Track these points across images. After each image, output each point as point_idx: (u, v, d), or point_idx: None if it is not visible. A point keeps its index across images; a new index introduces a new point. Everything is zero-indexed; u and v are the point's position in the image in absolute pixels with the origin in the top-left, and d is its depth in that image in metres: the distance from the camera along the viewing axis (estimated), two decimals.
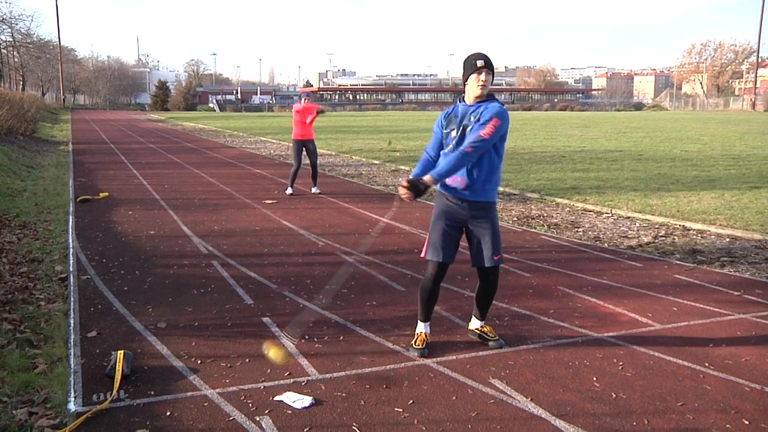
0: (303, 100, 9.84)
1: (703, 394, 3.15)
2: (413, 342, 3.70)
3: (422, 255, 3.67)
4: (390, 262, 5.67)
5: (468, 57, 3.52)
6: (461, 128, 3.48)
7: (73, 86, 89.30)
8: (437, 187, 3.56)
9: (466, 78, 3.51)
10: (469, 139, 3.39)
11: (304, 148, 9.80)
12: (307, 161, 10.04)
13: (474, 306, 3.86)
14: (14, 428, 2.80)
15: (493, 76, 3.52)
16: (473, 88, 3.47)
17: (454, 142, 3.50)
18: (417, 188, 3.38)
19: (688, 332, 4.00)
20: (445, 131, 3.59)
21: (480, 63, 3.45)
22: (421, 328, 3.75)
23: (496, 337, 3.79)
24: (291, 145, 10.13)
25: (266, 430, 2.80)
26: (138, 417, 2.90)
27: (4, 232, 6.70)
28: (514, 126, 32.94)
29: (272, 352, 3.36)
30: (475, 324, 3.88)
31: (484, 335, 3.81)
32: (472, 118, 3.45)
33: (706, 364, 3.50)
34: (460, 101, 3.59)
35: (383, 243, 6.45)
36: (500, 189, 10.13)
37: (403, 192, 3.39)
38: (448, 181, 3.50)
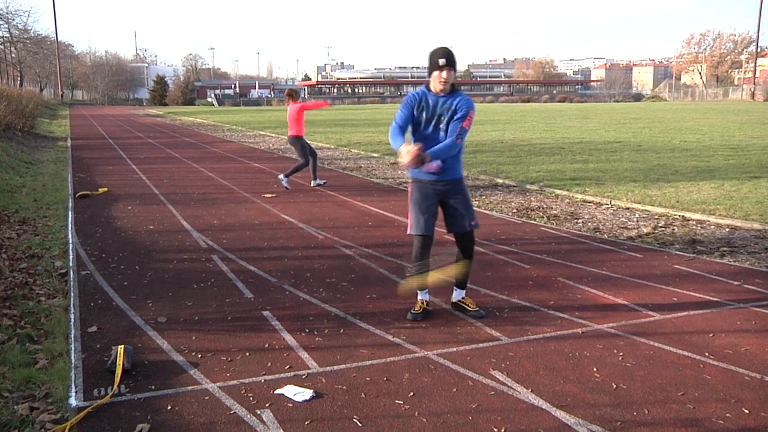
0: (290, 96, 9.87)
1: (704, 384, 3.15)
2: (413, 309, 4.05)
3: (408, 232, 4.02)
4: (390, 254, 5.67)
5: (432, 52, 3.79)
6: (436, 117, 3.83)
7: (71, 82, 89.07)
8: (409, 173, 4.05)
9: (430, 73, 3.80)
10: (454, 130, 3.80)
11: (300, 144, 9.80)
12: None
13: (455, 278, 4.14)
14: (16, 423, 2.80)
15: (455, 71, 3.79)
16: (435, 83, 3.79)
17: (430, 128, 3.85)
18: (423, 159, 3.69)
19: (688, 322, 4.00)
20: (416, 113, 3.87)
21: (442, 62, 3.73)
22: (421, 296, 4.09)
23: (476, 308, 4.06)
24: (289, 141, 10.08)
25: (267, 424, 2.80)
26: (139, 411, 2.91)
27: (4, 228, 6.69)
28: (514, 118, 32.88)
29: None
30: (456, 296, 4.15)
31: (465, 306, 4.09)
32: (446, 109, 3.80)
33: (706, 354, 3.50)
34: (426, 90, 3.86)
35: (383, 236, 6.45)
36: (500, 181, 10.14)
37: (410, 155, 3.61)
38: (424, 168, 3.82)
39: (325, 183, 9.90)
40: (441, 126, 3.83)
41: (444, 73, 3.73)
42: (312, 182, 9.94)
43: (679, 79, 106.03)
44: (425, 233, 3.95)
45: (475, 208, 7.84)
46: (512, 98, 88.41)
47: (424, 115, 3.84)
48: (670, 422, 2.80)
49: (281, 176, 9.76)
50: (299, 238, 6.39)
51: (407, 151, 3.64)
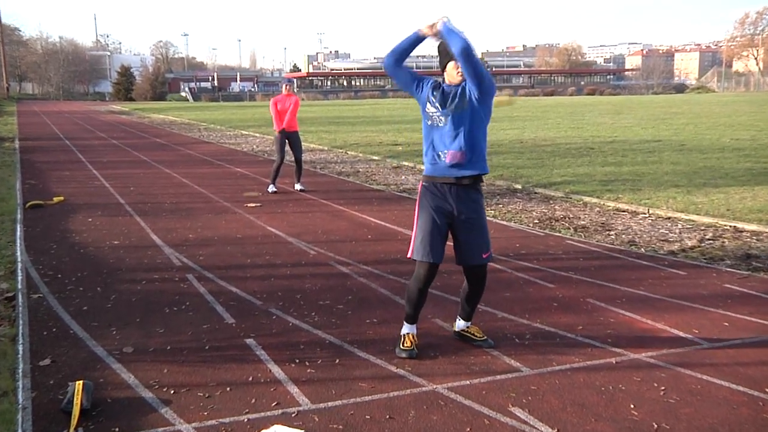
0: (284, 87, 10.20)
1: (764, 425, 3.15)
2: (400, 344, 3.97)
3: (408, 255, 3.96)
4: (392, 272, 5.68)
5: (443, 42, 3.78)
6: (449, 98, 3.80)
7: (18, 72, 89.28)
8: (424, 171, 3.93)
9: (444, 65, 3.83)
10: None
11: (287, 141, 10.05)
12: (292, 157, 10.29)
13: (460, 307, 4.16)
14: None
15: None
16: (453, 75, 3.82)
17: (445, 117, 3.79)
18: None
19: (742, 352, 3.99)
20: (429, 96, 3.85)
21: None
22: (408, 329, 4.04)
23: (484, 337, 4.09)
24: (273, 138, 10.28)
25: None
26: None
27: None
28: (534, 114, 32.97)
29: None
30: (460, 325, 4.18)
31: (471, 336, 4.11)
32: (459, 91, 3.78)
33: (767, 390, 3.49)
34: (443, 82, 3.90)
35: (384, 251, 6.46)
36: (519, 187, 10.17)
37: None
38: (447, 159, 3.78)
39: (274, 191, 10.12)
40: (455, 106, 3.76)
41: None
42: (295, 185, 10.29)
43: (731, 66, 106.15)
44: (433, 260, 3.85)
45: (491, 219, 7.95)
46: (533, 91, 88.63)
47: (438, 97, 3.82)
48: None
49: (297, 186, 10.25)
50: (288, 254, 6.41)
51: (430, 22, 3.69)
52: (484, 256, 3.89)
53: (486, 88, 3.75)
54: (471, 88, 3.75)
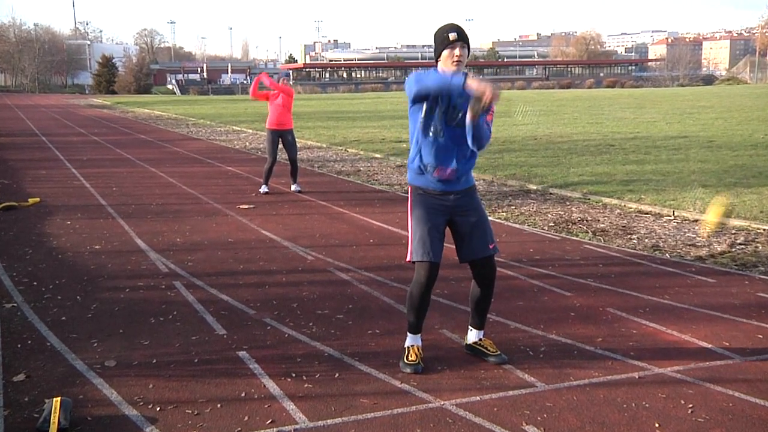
0: (281, 81, 10.17)
1: None
2: (404, 357, 3.98)
3: (408, 258, 4.06)
4: (396, 279, 5.68)
5: (439, 30, 3.86)
6: (451, 109, 3.81)
7: None
8: (408, 179, 4.16)
9: (438, 54, 3.84)
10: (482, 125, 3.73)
11: (280, 140, 10.08)
12: (285, 156, 10.34)
13: (471, 314, 4.15)
14: None
15: (468, 50, 3.85)
16: (447, 65, 3.80)
17: (444, 122, 3.82)
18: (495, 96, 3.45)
19: None
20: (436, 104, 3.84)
21: (453, 36, 3.77)
22: (412, 341, 4.05)
23: (498, 352, 4.06)
24: (266, 135, 10.32)
25: None
26: None
27: None
28: (549, 108, 32.96)
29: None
30: (472, 336, 4.17)
31: (484, 350, 4.09)
32: (462, 101, 3.75)
33: None
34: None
35: (387, 256, 6.47)
36: (533, 187, 10.18)
37: (489, 88, 3.44)
38: (436, 174, 3.89)
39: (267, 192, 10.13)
40: (457, 120, 3.81)
41: (458, 51, 3.74)
42: (291, 186, 10.34)
43: (765, 55, 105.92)
44: (433, 260, 3.94)
45: (502, 222, 7.96)
46: (548, 83, 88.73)
47: (438, 104, 3.81)
48: None
49: (294, 187, 10.30)
50: (283, 259, 6.42)
51: (483, 84, 3.43)
52: (490, 246, 3.96)
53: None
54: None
